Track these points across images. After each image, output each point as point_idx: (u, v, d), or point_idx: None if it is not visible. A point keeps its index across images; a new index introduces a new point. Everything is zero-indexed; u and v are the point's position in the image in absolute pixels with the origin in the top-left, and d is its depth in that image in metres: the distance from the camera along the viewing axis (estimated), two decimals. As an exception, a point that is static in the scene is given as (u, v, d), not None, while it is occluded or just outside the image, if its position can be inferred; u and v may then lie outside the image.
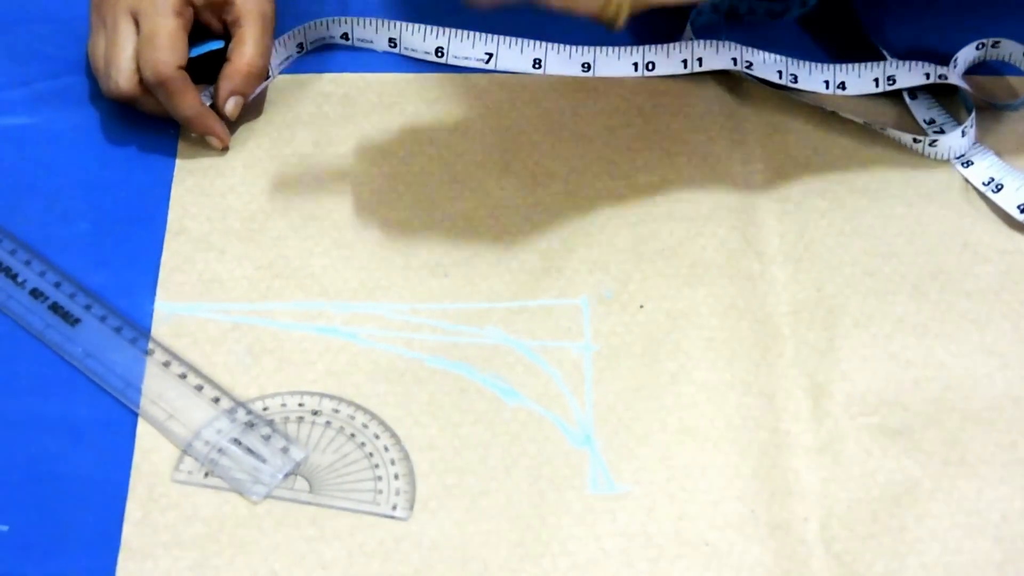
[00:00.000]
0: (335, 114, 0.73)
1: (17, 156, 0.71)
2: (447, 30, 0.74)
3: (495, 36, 0.74)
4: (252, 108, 0.73)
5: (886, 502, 0.62)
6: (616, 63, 0.73)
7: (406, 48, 0.75)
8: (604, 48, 0.73)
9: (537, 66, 0.74)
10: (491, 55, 0.73)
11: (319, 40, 0.75)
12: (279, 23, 0.73)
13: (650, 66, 0.74)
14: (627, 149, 0.73)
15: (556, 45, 0.73)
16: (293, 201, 0.70)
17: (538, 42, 0.73)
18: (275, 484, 0.61)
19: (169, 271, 0.67)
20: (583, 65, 0.73)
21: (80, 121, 0.72)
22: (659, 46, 0.74)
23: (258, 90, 0.72)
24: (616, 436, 0.63)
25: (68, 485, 0.61)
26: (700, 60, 0.74)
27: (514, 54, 0.73)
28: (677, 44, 0.74)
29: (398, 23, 0.75)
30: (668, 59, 0.74)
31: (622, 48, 0.73)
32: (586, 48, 0.73)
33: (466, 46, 0.74)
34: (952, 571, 0.60)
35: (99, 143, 0.72)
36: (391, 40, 0.75)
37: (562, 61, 0.73)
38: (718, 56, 0.73)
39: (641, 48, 0.74)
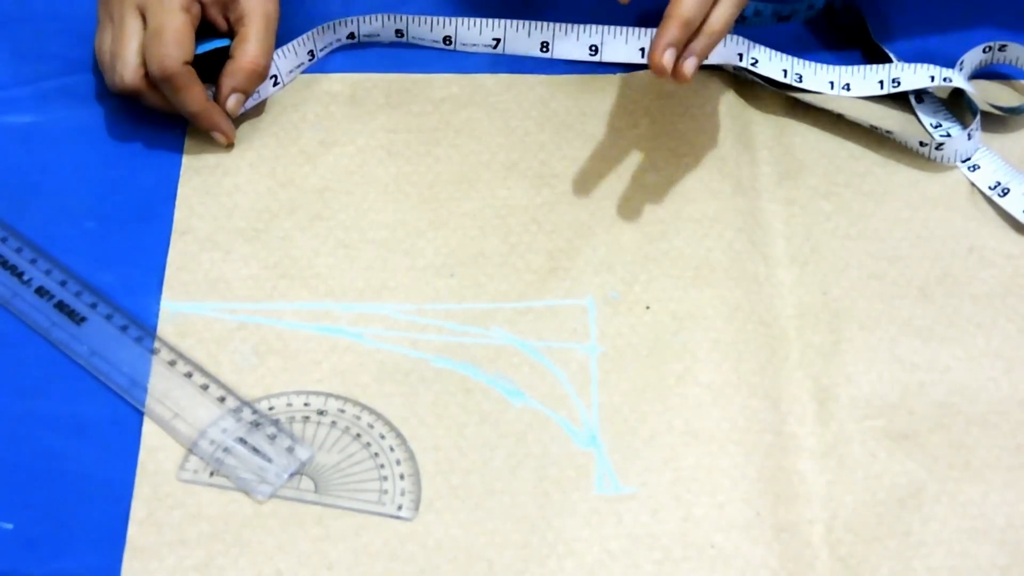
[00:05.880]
0: (341, 114, 0.73)
1: (23, 154, 0.71)
2: (454, 19, 0.74)
3: (502, 21, 0.74)
4: (257, 107, 0.73)
5: (891, 505, 0.62)
6: (624, 47, 0.73)
7: (413, 38, 0.75)
8: (612, 30, 0.73)
9: (545, 49, 0.74)
10: (499, 40, 0.74)
11: (328, 46, 0.75)
12: (286, 23, 0.73)
13: None
14: (634, 150, 0.73)
15: (564, 26, 0.73)
16: (299, 201, 0.70)
17: (545, 24, 0.73)
18: (280, 484, 0.61)
19: (175, 270, 0.67)
20: (591, 48, 0.73)
21: (86, 120, 0.72)
22: None
23: (265, 95, 0.72)
24: (622, 437, 0.63)
25: (73, 483, 0.61)
26: None
27: (522, 38, 0.74)
28: None
29: (404, 16, 0.75)
30: None
31: (630, 31, 0.73)
32: (594, 30, 0.73)
33: (473, 33, 0.74)
34: (957, 575, 0.60)
35: (105, 142, 0.72)
36: (398, 31, 0.75)
37: (570, 43, 0.73)
38: (725, 49, 0.73)
39: (649, 31, 0.73)
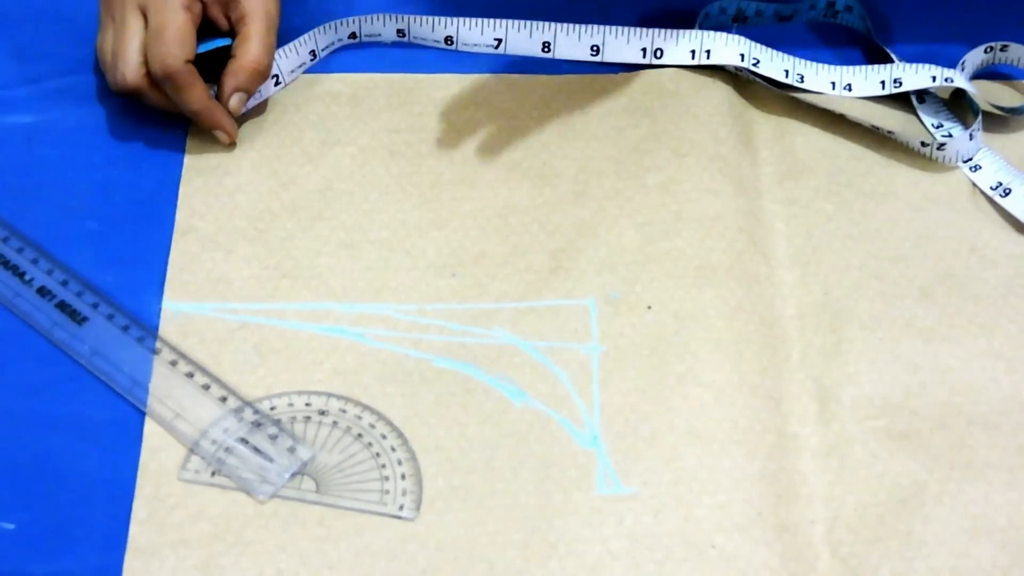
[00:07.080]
0: (343, 114, 0.73)
1: (24, 154, 0.71)
2: (455, 19, 0.74)
3: (503, 21, 0.74)
4: (258, 107, 0.73)
5: (893, 505, 0.62)
6: (625, 47, 0.73)
7: (415, 37, 0.75)
8: (613, 30, 0.73)
9: (546, 49, 0.74)
10: (500, 40, 0.74)
11: (330, 45, 0.75)
12: (288, 22, 0.73)
13: (658, 53, 0.74)
14: (635, 150, 0.73)
15: (565, 27, 0.73)
16: (301, 201, 0.70)
17: (547, 24, 0.73)
18: (282, 484, 0.61)
19: (176, 270, 0.67)
20: (592, 48, 0.73)
21: (87, 119, 0.72)
22: (668, 32, 0.74)
23: (266, 95, 0.72)
24: (623, 437, 0.63)
25: (74, 483, 0.61)
26: (708, 52, 0.74)
27: (523, 38, 0.74)
28: (687, 32, 0.74)
29: (406, 15, 0.75)
30: (676, 47, 0.74)
31: (631, 31, 0.73)
32: (595, 30, 0.73)
33: (475, 33, 0.74)
34: (958, 575, 0.60)
35: (106, 142, 0.72)
36: (399, 31, 0.75)
37: (571, 43, 0.73)
38: (726, 49, 0.73)
39: (651, 32, 0.74)
